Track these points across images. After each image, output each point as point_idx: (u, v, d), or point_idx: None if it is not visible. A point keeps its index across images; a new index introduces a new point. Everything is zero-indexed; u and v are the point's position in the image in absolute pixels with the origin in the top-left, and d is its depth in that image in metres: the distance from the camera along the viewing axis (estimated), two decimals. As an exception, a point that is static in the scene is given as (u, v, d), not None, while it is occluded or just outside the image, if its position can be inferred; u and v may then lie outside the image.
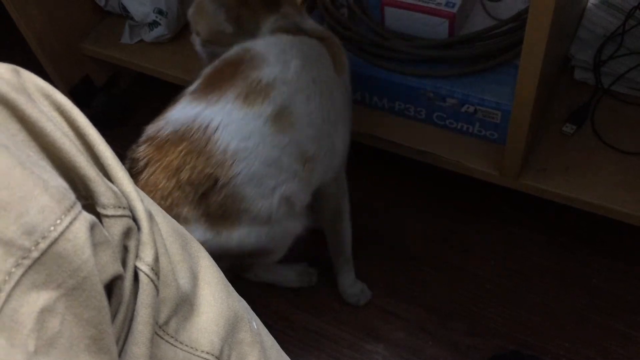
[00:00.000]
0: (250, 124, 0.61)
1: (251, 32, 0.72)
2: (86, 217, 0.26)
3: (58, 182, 0.26)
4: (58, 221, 0.25)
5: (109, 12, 1.06)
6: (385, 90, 0.86)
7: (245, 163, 0.61)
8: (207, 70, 0.67)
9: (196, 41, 0.77)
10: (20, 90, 0.29)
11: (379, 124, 0.87)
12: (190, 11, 0.76)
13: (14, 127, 0.27)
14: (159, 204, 0.39)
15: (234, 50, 0.67)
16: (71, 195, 0.26)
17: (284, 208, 0.66)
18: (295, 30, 0.71)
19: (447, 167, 0.83)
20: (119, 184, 0.31)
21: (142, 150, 0.61)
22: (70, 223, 0.25)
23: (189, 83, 0.67)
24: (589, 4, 0.88)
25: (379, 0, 0.86)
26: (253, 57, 0.65)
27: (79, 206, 0.26)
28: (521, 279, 0.86)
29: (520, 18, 0.82)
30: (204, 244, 0.39)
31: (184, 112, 0.62)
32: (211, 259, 0.39)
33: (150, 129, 0.63)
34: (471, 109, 0.80)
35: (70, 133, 0.31)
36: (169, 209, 0.60)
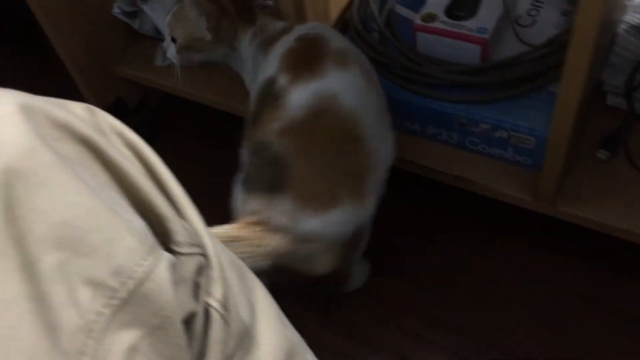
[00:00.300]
0: (355, 83, 0.69)
1: (229, 41, 0.78)
2: (167, 257, 0.27)
3: (139, 223, 0.27)
4: (143, 262, 0.26)
5: (143, 35, 1.08)
6: (417, 114, 0.86)
7: (367, 120, 0.69)
8: (285, 59, 0.71)
9: (171, 47, 0.82)
10: (98, 129, 0.30)
11: (411, 149, 0.88)
12: (169, 18, 0.81)
13: (96, 168, 0.28)
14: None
15: (295, 38, 0.73)
16: (151, 236, 0.27)
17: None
18: (278, 35, 0.75)
19: (480, 193, 0.83)
20: (190, 221, 0.32)
21: (285, 144, 0.65)
22: (154, 263, 0.26)
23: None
24: (620, 30, 0.89)
25: (411, 25, 0.87)
26: (317, 37, 0.72)
27: (159, 246, 0.27)
28: (555, 305, 0.85)
29: (553, 43, 0.82)
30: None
31: (300, 95, 0.66)
32: (264, 288, 0.40)
33: (282, 123, 0.66)
34: (504, 134, 0.80)
35: (142, 170, 0.32)
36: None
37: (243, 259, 0.38)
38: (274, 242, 0.65)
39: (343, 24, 0.96)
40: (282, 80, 0.68)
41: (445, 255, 0.93)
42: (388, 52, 0.89)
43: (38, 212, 0.24)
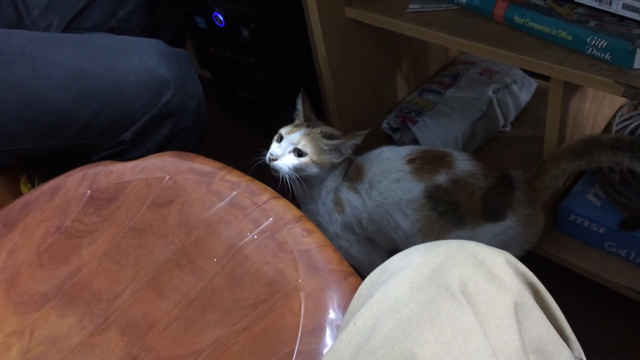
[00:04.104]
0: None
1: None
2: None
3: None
4: None
5: (398, 145, 1.31)
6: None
7: None
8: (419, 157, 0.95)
9: (288, 158, 0.95)
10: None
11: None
12: (298, 137, 0.96)
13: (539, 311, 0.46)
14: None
15: (421, 149, 0.98)
16: None
17: None
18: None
19: None
20: (570, 340, 0.48)
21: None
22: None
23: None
24: None
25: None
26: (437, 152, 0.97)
27: None
28: None
29: None
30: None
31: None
32: None
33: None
34: None
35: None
36: None
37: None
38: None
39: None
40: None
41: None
42: (629, 194, 1.02)
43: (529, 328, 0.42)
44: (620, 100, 1.17)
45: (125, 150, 0.94)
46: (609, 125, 1.14)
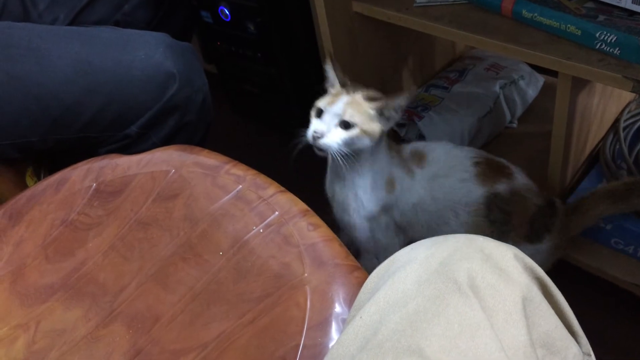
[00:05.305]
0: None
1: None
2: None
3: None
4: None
5: (404, 140, 1.31)
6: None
7: None
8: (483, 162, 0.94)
9: (336, 133, 0.85)
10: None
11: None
12: (342, 106, 0.85)
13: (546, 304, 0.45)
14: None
15: (482, 153, 0.96)
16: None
17: None
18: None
19: None
20: (578, 335, 0.48)
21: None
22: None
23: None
24: None
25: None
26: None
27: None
28: None
29: None
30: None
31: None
32: None
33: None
34: None
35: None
36: None
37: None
38: None
39: (594, 157, 1.10)
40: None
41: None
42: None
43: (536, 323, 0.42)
44: (628, 96, 1.17)
45: (131, 144, 0.94)
46: (616, 122, 1.13)
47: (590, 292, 1.08)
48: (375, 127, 0.86)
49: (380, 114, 0.87)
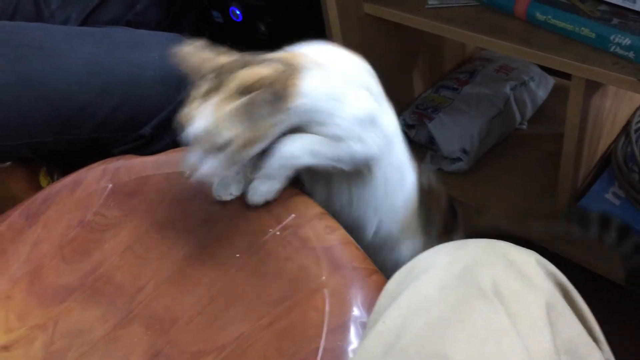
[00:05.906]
0: None
1: None
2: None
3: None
4: None
5: (414, 141, 1.31)
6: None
7: None
8: None
9: None
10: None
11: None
12: None
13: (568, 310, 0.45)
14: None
15: None
16: None
17: None
18: None
19: None
20: (600, 341, 0.48)
21: None
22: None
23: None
24: None
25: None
26: None
27: None
28: None
29: None
30: None
31: None
32: None
33: None
34: None
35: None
36: None
37: None
38: None
39: (606, 160, 1.10)
40: None
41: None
42: (648, 192, 1.01)
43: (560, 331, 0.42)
44: (639, 99, 1.17)
45: (145, 145, 0.95)
46: (627, 124, 1.13)
47: (605, 295, 1.07)
48: None
49: None
